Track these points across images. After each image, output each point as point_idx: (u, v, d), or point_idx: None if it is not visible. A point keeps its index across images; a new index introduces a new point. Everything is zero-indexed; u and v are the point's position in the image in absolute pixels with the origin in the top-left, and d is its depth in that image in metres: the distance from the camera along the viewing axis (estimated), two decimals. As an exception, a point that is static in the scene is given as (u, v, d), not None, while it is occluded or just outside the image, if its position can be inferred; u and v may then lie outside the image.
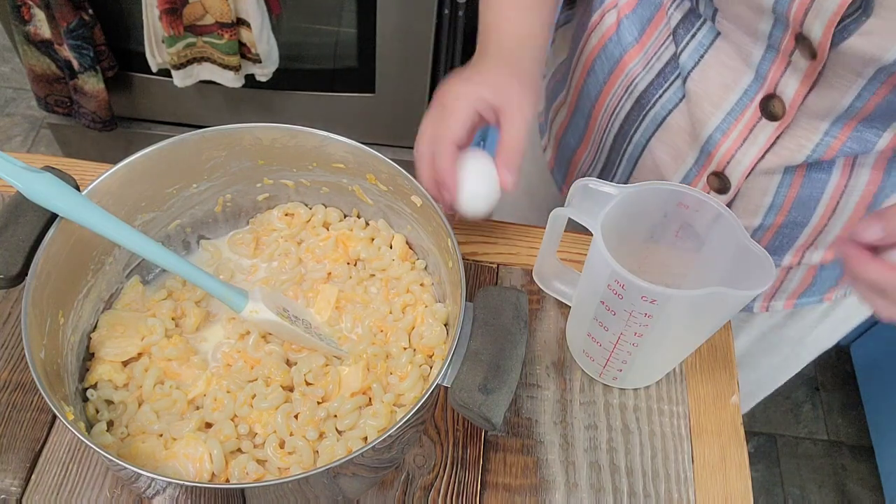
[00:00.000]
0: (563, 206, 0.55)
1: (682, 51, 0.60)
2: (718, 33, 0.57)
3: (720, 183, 0.62)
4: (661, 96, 0.63)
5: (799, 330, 0.80)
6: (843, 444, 1.61)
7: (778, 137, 0.57)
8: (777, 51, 0.53)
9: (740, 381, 0.64)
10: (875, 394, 1.57)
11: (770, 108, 0.56)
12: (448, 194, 0.56)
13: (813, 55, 0.50)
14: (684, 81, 0.60)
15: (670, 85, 0.62)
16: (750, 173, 0.60)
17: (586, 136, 0.74)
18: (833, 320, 0.78)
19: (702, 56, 0.58)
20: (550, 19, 0.65)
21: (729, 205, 0.63)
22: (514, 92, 0.56)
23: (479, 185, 0.56)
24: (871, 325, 1.55)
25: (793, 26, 0.49)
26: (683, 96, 0.61)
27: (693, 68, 0.59)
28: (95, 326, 0.56)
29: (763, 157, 0.58)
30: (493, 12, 0.62)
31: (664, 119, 0.63)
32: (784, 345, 0.83)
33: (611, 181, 0.54)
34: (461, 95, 0.56)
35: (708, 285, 0.48)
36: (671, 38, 0.61)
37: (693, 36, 0.59)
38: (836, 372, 1.71)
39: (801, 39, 0.50)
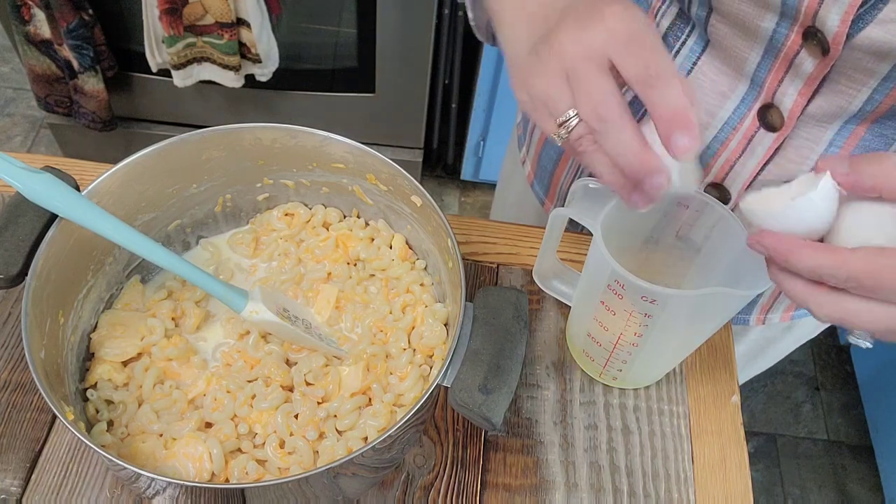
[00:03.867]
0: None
1: (673, 58, 0.57)
2: (708, 41, 0.54)
3: (720, 194, 0.59)
4: None
5: (794, 341, 0.79)
6: (843, 444, 1.61)
7: (778, 149, 0.54)
8: (776, 56, 0.50)
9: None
10: (875, 394, 1.57)
11: (768, 118, 0.53)
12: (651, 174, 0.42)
13: (824, 51, 0.46)
14: None
15: None
16: (750, 185, 0.57)
17: (567, 150, 0.71)
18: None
19: (694, 63, 0.56)
20: None
21: None
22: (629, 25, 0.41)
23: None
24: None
25: (803, 19, 0.46)
26: None
27: (686, 76, 0.56)
28: (95, 326, 0.56)
29: (763, 168, 0.56)
30: None
31: None
32: (776, 355, 0.82)
33: None
34: (583, 55, 0.41)
35: (708, 285, 0.48)
36: None
37: (683, 43, 0.56)
38: (836, 372, 1.71)
39: (811, 36, 0.47)
